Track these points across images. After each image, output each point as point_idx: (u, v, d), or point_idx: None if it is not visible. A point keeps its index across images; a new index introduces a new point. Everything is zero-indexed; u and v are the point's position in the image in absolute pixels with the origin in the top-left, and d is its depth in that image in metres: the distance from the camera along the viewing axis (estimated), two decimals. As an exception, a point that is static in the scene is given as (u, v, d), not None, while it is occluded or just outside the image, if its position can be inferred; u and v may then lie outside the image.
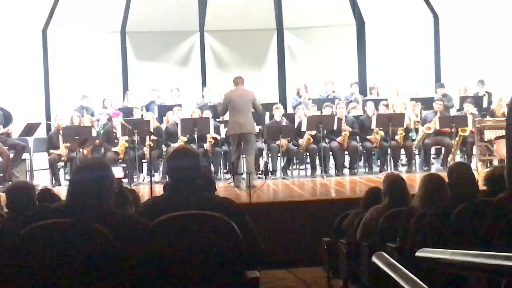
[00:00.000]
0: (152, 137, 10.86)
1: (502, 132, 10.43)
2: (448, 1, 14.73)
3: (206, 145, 11.25)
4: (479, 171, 9.99)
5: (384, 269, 2.61)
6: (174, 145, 11.01)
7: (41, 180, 11.33)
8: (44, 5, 14.37)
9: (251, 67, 15.83)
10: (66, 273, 2.97)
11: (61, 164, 11.48)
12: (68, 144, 11.09)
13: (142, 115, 12.05)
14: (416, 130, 11.97)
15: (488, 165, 10.61)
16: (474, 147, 11.16)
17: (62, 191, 9.04)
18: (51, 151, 11.28)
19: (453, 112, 12.75)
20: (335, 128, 11.37)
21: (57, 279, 2.97)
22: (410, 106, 12.62)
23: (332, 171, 11.63)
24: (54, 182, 11.06)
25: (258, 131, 11.65)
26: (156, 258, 3.12)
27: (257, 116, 12.23)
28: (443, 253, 2.63)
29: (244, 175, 10.34)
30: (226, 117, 11.19)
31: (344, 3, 15.53)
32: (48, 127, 13.65)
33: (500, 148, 10.60)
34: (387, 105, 12.11)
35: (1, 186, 9.85)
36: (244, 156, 10.51)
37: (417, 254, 2.98)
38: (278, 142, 11.25)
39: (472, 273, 2.69)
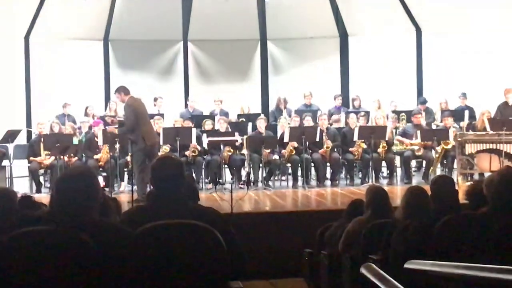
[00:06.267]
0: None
1: (483, 146, 10.51)
2: (430, 15, 14.85)
3: (188, 152, 11.22)
4: (460, 184, 10.04)
5: (373, 280, 2.60)
6: (156, 154, 10.99)
7: (21, 187, 11.23)
8: (26, 11, 14.29)
9: (234, 77, 15.85)
10: (49, 282, 2.93)
11: (42, 171, 11.40)
12: (48, 152, 11.02)
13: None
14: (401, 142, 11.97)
15: (469, 179, 10.66)
16: (455, 161, 11.21)
17: (42, 199, 8.95)
18: (32, 158, 11.20)
19: (434, 125, 12.86)
20: (317, 140, 11.39)
21: (40, 286, 2.93)
22: (391, 119, 12.72)
23: (313, 182, 11.63)
24: (34, 189, 10.98)
25: (240, 140, 11.67)
26: (140, 267, 3.09)
27: (240, 126, 12.28)
28: (433, 265, 2.62)
29: (227, 185, 10.31)
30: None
31: (327, 15, 15.60)
32: (29, 134, 13.57)
33: (481, 162, 10.67)
34: (365, 116, 12.17)
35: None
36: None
37: (406, 265, 2.97)
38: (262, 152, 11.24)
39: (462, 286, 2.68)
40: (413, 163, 12.28)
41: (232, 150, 11.50)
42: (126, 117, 9.79)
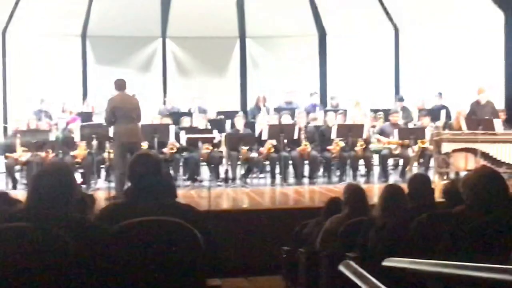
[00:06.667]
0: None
1: (460, 145, 10.57)
2: (408, 14, 14.93)
3: (166, 150, 11.17)
4: (436, 183, 10.09)
5: (351, 278, 2.60)
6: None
7: (-4, 183, 11.14)
8: (4, 6, 14.15)
9: (212, 74, 15.82)
10: (25, 278, 2.91)
11: (18, 168, 11.30)
12: (25, 148, 10.94)
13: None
14: (379, 141, 12.03)
15: (445, 178, 10.72)
16: (432, 159, 11.28)
17: (18, 195, 8.86)
18: (8, 154, 11.10)
19: (411, 124, 12.94)
20: (295, 137, 11.40)
21: (17, 284, 2.91)
22: (369, 117, 12.78)
23: (291, 180, 11.65)
24: (10, 186, 10.88)
25: (220, 138, 11.63)
26: (117, 264, 3.08)
27: (219, 124, 12.25)
28: (411, 263, 2.64)
29: (205, 183, 10.29)
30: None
31: (306, 13, 15.61)
32: (5, 130, 13.45)
33: (457, 161, 10.74)
34: (343, 114, 12.24)
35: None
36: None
37: (383, 263, 2.98)
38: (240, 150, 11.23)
39: (440, 283, 2.70)
40: (390, 161, 12.35)
41: (210, 148, 11.47)
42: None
